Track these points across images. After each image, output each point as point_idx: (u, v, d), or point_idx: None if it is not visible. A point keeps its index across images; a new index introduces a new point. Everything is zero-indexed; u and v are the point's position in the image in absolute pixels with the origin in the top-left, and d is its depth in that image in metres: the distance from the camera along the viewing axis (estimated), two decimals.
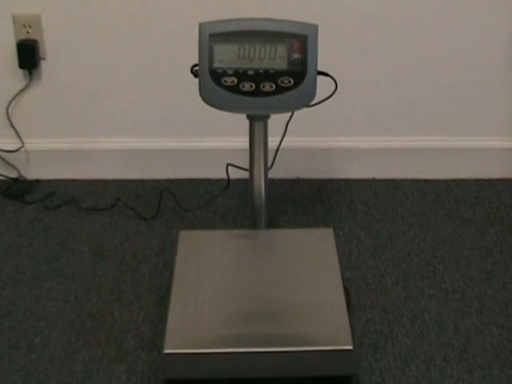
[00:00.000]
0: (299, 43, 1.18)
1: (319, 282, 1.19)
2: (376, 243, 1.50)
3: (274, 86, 1.19)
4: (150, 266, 1.43)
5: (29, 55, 1.59)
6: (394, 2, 1.56)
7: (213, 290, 1.18)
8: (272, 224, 1.54)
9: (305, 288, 1.18)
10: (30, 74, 1.62)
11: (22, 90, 1.64)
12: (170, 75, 1.61)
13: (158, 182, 1.71)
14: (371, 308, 1.31)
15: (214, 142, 1.70)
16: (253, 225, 1.38)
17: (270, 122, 1.29)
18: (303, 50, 1.18)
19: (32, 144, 1.70)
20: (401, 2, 1.57)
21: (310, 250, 1.28)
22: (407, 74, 1.64)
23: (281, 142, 1.47)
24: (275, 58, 1.18)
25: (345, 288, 1.19)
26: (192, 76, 1.23)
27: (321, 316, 1.12)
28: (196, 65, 1.21)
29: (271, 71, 1.18)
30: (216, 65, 1.19)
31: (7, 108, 1.66)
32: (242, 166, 1.49)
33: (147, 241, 1.51)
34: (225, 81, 1.19)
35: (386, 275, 1.40)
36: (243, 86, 1.19)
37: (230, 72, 1.19)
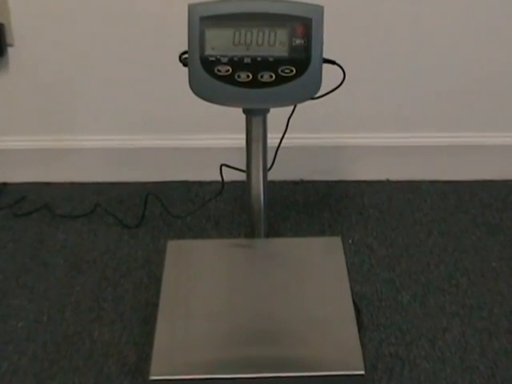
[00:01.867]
0: (302, 27, 1.18)
1: (326, 298, 1.19)
2: (390, 253, 1.50)
3: (274, 76, 1.19)
4: (134, 280, 1.42)
5: None
6: None
7: (205, 308, 1.18)
8: (272, 232, 1.54)
9: (309, 305, 1.18)
10: None
11: None
12: (157, 64, 1.61)
13: (142, 185, 1.71)
14: (385, 327, 1.31)
15: (206, 139, 1.70)
16: (250, 233, 1.38)
17: (269, 116, 1.29)
18: (307, 35, 1.18)
19: None
20: None
21: (316, 261, 1.28)
22: (426, 61, 1.64)
23: (282, 140, 1.47)
24: (275, 43, 1.18)
25: (355, 304, 1.19)
26: (181, 65, 1.23)
27: (328, 337, 1.12)
28: (185, 52, 1.21)
29: (270, 59, 1.18)
30: (208, 52, 1.19)
31: None
32: (238, 166, 1.49)
33: (131, 252, 1.51)
34: (218, 70, 1.19)
35: (401, 290, 1.40)
36: (239, 76, 1.19)
37: (224, 60, 1.19)
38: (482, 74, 1.65)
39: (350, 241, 1.53)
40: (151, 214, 1.61)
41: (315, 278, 1.24)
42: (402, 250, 1.51)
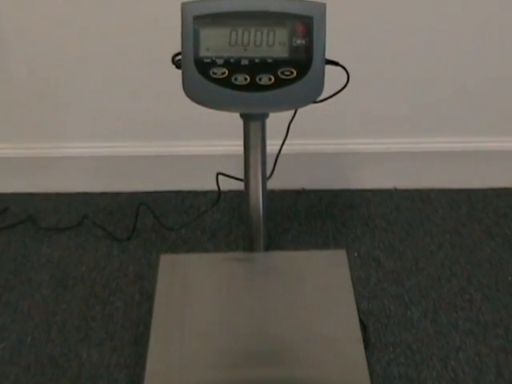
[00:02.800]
0: (303, 26, 1.18)
1: (330, 315, 1.19)
2: (399, 267, 1.50)
3: (273, 79, 1.19)
4: (125, 297, 1.42)
5: None
6: None
7: (201, 327, 1.17)
8: (272, 245, 1.54)
9: (312, 323, 1.18)
10: None
11: None
12: (148, 66, 1.62)
13: (133, 195, 1.71)
14: (394, 346, 1.30)
15: (201, 146, 1.70)
16: (249, 246, 1.38)
17: (268, 121, 1.29)
18: (308, 35, 1.18)
19: None
20: None
21: (319, 276, 1.28)
22: (434, 63, 1.64)
23: (282, 146, 1.47)
24: (274, 44, 1.18)
25: (361, 322, 1.19)
26: (174, 67, 1.23)
27: (332, 356, 1.12)
28: (178, 53, 1.21)
29: (269, 60, 1.18)
30: (203, 53, 1.19)
31: None
32: (235, 175, 1.49)
33: (121, 267, 1.50)
34: (213, 72, 1.19)
35: (411, 306, 1.40)
36: (236, 79, 1.19)
37: (220, 62, 1.19)
38: (497, 76, 1.65)
39: (356, 254, 1.53)
40: (143, 226, 1.61)
41: (318, 294, 1.24)
42: (411, 263, 1.51)
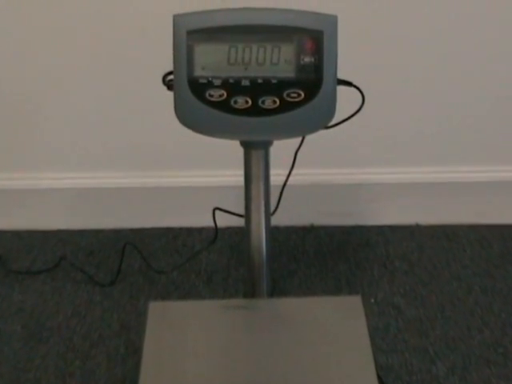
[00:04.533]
0: (312, 41, 1.19)
1: (344, 371, 1.19)
2: (422, 315, 1.49)
3: (278, 102, 1.19)
4: (108, 350, 1.42)
5: None
6: None
7: None
8: (277, 290, 1.53)
9: (324, 380, 1.17)
10: None
11: None
12: (135, 87, 1.63)
13: (118, 233, 1.71)
14: None
15: (195, 177, 1.71)
16: (250, 292, 1.38)
17: (272, 149, 1.30)
18: (317, 51, 1.19)
19: None
20: None
21: (331, 326, 1.27)
22: (462, 84, 1.66)
23: (288, 177, 1.48)
24: (279, 62, 1.19)
25: (379, 378, 1.19)
26: (165, 88, 1.24)
27: None
28: (170, 73, 1.22)
29: (274, 81, 1.19)
30: (198, 73, 1.19)
31: None
32: (235, 210, 1.50)
33: (104, 315, 1.50)
34: (210, 95, 1.20)
35: (436, 360, 1.39)
36: (235, 102, 1.19)
37: (218, 82, 1.19)
38: None
39: (373, 300, 1.53)
40: (129, 268, 1.61)
41: (330, 347, 1.23)
42: (436, 310, 1.50)
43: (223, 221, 1.56)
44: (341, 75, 1.21)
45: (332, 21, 1.19)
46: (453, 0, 1.59)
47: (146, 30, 1.59)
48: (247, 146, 1.28)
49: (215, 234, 1.58)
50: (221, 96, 1.19)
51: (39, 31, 1.61)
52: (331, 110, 1.21)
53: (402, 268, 1.62)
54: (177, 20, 1.20)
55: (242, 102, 1.19)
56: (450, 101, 1.66)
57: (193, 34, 1.19)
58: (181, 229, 1.73)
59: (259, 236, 1.34)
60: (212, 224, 1.55)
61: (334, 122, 1.24)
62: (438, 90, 1.66)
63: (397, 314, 1.49)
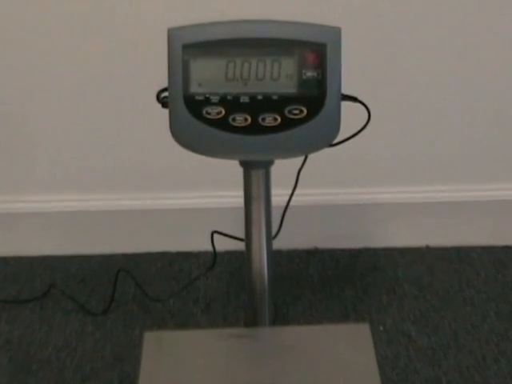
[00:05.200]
0: (314, 55, 1.19)
1: None
2: (434, 343, 1.49)
3: (279, 119, 1.20)
4: (101, 383, 1.41)
5: None
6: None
7: None
8: (280, 318, 1.53)
9: None
10: None
11: None
12: (128, 104, 1.63)
13: (111, 259, 1.71)
14: None
15: (192, 198, 1.71)
16: (252, 320, 1.38)
17: (273, 169, 1.30)
18: (320, 65, 1.19)
19: None
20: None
21: (337, 355, 1.27)
22: (474, 99, 1.66)
23: (290, 198, 1.48)
24: (280, 77, 1.19)
25: None
26: (159, 106, 1.24)
27: None
28: (165, 89, 1.23)
29: (274, 97, 1.19)
30: (194, 89, 1.20)
31: None
32: (234, 233, 1.50)
33: (96, 346, 1.50)
34: (207, 112, 1.20)
35: None
36: (234, 120, 1.20)
37: (215, 99, 1.20)
38: None
39: (381, 327, 1.52)
40: (122, 296, 1.61)
41: (337, 379, 1.23)
42: (449, 338, 1.50)
43: (222, 245, 1.56)
44: (345, 90, 1.22)
45: (335, 33, 1.20)
46: (465, 11, 1.60)
47: (139, 43, 1.59)
48: (247, 165, 1.28)
49: (214, 258, 1.58)
50: (218, 113, 1.20)
51: (26, 47, 1.61)
52: (335, 127, 1.21)
53: (412, 293, 1.62)
54: (172, 33, 1.20)
55: (241, 119, 1.20)
56: (462, 117, 1.67)
57: (189, 49, 1.19)
58: (177, 253, 1.73)
59: (260, 260, 1.34)
60: (210, 248, 1.55)
61: (338, 139, 1.24)
62: (449, 105, 1.66)
63: (407, 343, 1.49)
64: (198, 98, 1.20)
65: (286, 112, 1.19)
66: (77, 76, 1.63)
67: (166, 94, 1.22)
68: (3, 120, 1.66)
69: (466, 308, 1.58)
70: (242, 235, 1.35)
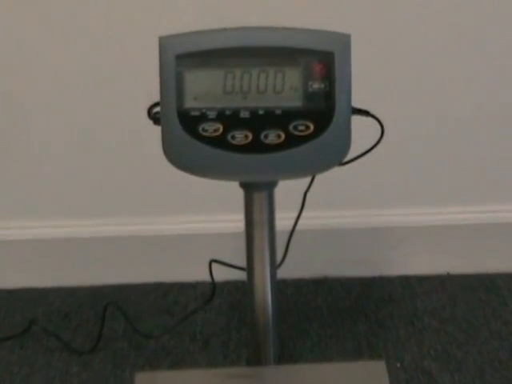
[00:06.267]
0: (321, 65, 1.20)
1: None
2: (457, 381, 1.48)
3: (283, 136, 1.20)
4: None
5: None
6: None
7: None
8: (286, 355, 1.53)
9: None
10: None
11: None
12: (116, 120, 1.64)
13: (98, 291, 1.71)
14: None
15: (188, 223, 1.72)
16: (255, 358, 1.38)
17: (277, 190, 1.30)
18: (328, 76, 1.19)
19: None
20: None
21: None
22: (496, 115, 1.67)
23: (296, 222, 1.48)
24: (283, 89, 1.20)
25: None
26: (151, 122, 1.24)
27: None
28: (156, 104, 1.23)
29: (278, 112, 1.20)
30: (189, 104, 1.20)
31: None
32: (234, 261, 1.50)
33: None
34: (204, 129, 1.20)
35: None
36: (233, 137, 1.20)
37: (212, 115, 1.20)
38: None
39: (399, 364, 1.52)
40: (111, 332, 1.60)
41: None
42: (473, 376, 1.49)
43: (221, 274, 1.56)
44: (356, 103, 1.22)
45: (344, 40, 1.20)
46: (490, 19, 1.61)
47: (128, 54, 1.60)
48: (248, 187, 1.29)
49: (212, 289, 1.58)
50: (216, 130, 1.20)
51: (6, 60, 1.62)
52: (345, 143, 1.22)
53: (432, 326, 1.61)
54: (164, 42, 1.20)
55: (241, 137, 1.20)
56: (487, 132, 1.67)
57: (182, 59, 1.20)
58: (172, 284, 1.73)
59: (264, 291, 1.35)
60: (208, 278, 1.55)
61: (348, 157, 1.24)
62: (473, 119, 1.67)
63: (428, 381, 1.48)
64: (193, 113, 1.20)
65: (290, 128, 1.20)
66: (61, 91, 1.64)
67: (157, 109, 1.22)
68: None
69: (492, 342, 1.57)
70: (243, 264, 1.35)
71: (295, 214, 1.47)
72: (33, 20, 1.60)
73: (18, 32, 1.61)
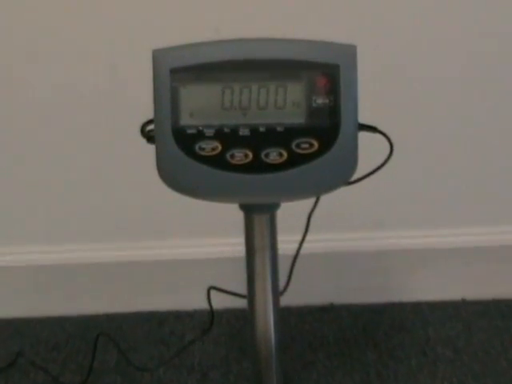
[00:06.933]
0: (326, 78, 1.20)
1: None
2: None
3: (286, 155, 1.20)
4: None
5: None
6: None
7: None
8: None
9: None
10: None
11: None
12: (108, 139, 1.64)
13: (89, 321, 1.71)
14: None
15: (185, 247, 1.72)
16: None
17: (279, 212, 1.30)
18: (333, 90, 1.19)
19: None
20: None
21: None
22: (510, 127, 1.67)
23: (300, 245, 1.48)
24: (285, 105, 1.20)
25: None
26: (144, 141, 1.24)
27: None
28: (150, 121, 1.23)
29: (279, 129, 1.20)
30: (185, 121, 1.20)
31: None
32: (234, 288, 1.49)
33: None
34: (200, 148, 1.20)
35: None
36: (232, 157, 1.20)
37: (210, 133, 1.20)
38: None
39: None
40: (103, 364, 1.60)
41: None
42: None
43: (220, 302, 1.56)
44: (362, 119, 1.22)
45: (350, 52, 1.20)
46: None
47: (119, 68, 1.60)
48: (248, 209, 1.29)
49: (211, 318, 1.58)
50: (214, 149, 1.20)
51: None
52: (352, 162, 1.21)
53: (446, 356, 1.61)
54: (157, 56, 1.20)
55: (240, 156, 1.20)
56: (499, 147, 1.67)
57: (178, 73, 1.20)
58: (168, 313, 1.73)
59: (266, 320, 1.34)
60: (207, 306, 1.54)
61: (355, 176, 1.24)
62: (484, 134, 1.67)
63: None
64: (189, 131, 1.20)
65: (293, 146, 1.19)
66: (49, 110, 1.64)
67: (151, 126, 1.22)
68: None
69: (510, 372, 1.57)
70: (243, 291, 1.35)
71: (299, 237, 1.47)
72: (19, 31, 1.61)
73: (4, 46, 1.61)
